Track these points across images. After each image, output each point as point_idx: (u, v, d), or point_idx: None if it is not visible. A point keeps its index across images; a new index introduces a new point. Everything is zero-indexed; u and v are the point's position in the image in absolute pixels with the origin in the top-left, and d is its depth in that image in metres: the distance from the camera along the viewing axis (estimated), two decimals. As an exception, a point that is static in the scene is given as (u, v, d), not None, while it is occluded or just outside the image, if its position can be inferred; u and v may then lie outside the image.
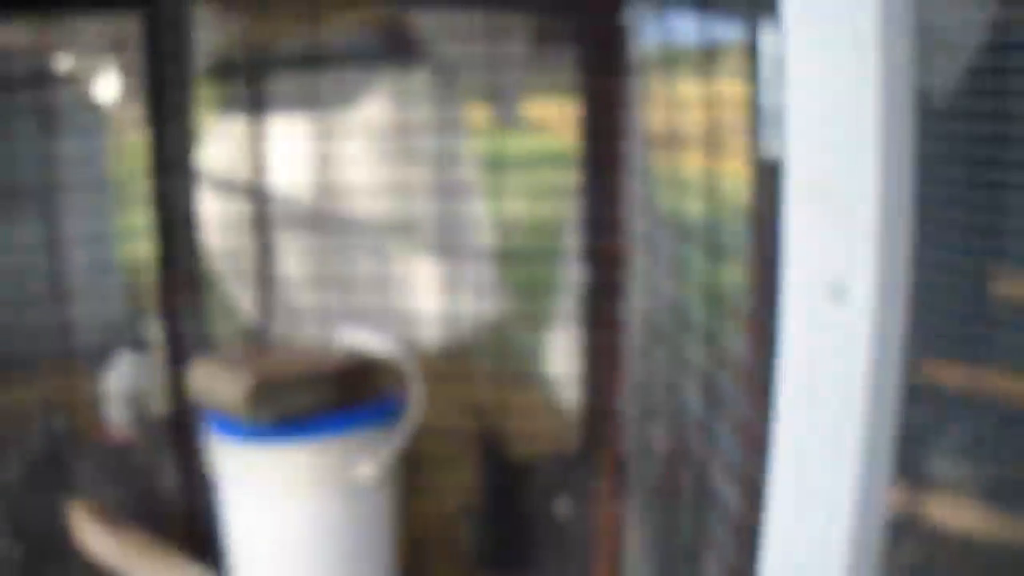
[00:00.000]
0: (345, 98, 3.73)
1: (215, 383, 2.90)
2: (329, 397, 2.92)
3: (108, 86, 5.82)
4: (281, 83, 4.32)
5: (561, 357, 4.61)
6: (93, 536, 3.45)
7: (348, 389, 2.97)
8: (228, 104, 4.06)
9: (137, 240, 3.93)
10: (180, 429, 3.59)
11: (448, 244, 3.83)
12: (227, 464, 2.98)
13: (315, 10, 3.72)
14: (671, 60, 2.67)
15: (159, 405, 5.09)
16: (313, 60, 3.85)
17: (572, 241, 3.66)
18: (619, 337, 3.17)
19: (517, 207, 4.65)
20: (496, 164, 4.14)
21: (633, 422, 3.11)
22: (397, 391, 3.07)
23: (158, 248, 3.47)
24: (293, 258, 3.98)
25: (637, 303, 3.09)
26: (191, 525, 3.65)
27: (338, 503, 2.93)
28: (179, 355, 3.51)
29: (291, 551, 2.96)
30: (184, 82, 3.45)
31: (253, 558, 3.05)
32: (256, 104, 5.81)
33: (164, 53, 3.42)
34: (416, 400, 2.98)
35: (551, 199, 3.74)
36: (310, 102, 3.95)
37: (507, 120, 3.93)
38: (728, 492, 2.15)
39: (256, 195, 6.50)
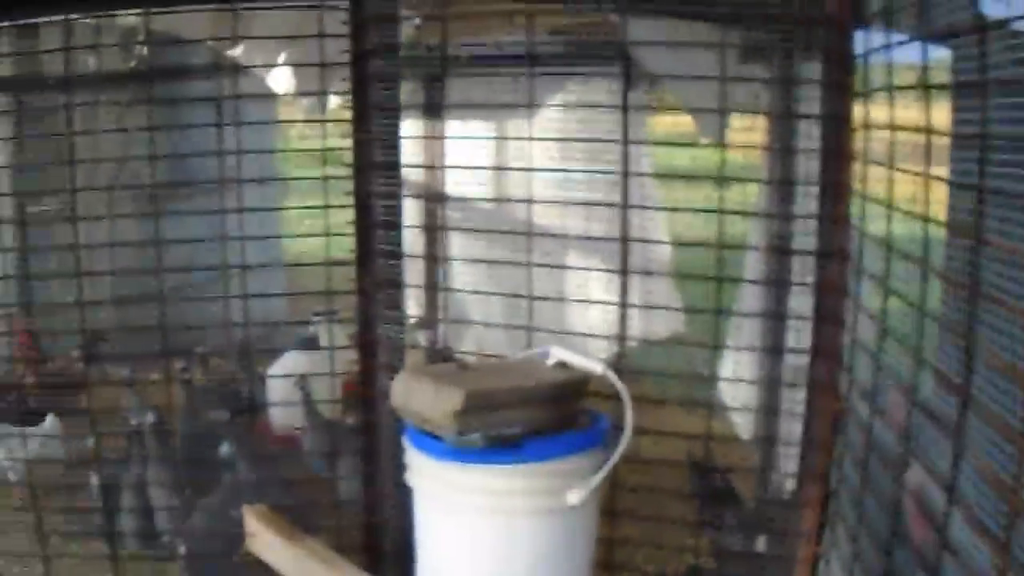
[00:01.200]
0: (528, 103, 3.62)
1: (422, 397, 2.78)
2: (539, 417, 2.79)
3: (285, 79, 5.79)
4: (463, 85, 4.24)
5: (738, 383, 4.48)
6: (267, 542, 3.38)
7: (558, 410, 2.85)
8: (408, 104, 3.98)
9: (310, 237, 3.87)
10: (366, 435, 3.48)
11: (625, 259, 3.70)
12: (426, 479, 2.86)
13: (506, 13, 3.61)
14: (892, 82, 2.54)
15: (329, 408, 5.05)
16: (497, 62, 3.74)
17: (764, 264, 3.54)
18: (837, 368, 3.02)
19: (698, 224, 4.53)
20: (683, 177, 4.01)
21: (848, 458, 2.96)
22: (603, 414, 2.95)
23: (358, 247, 3.36)
24: (465, 265, 3.87)
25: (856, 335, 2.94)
26: (369, 535, 3.56)
27: (541, 526, 2.81)
28: (369, 359, 3.40)
29: (484, 572, 2.84)
30: (390, 79, 3.34)
31: (441, 571, 2.94)
32: (435, 106, 5.76)
33: (370, 49, 3.33)
34: (630, 424, 2.85)
35: (739, 218, 3.61)
36: (491, 106, 3.86)
37: (710, 134, 3.81)
38: (970, 543, 2.01)
39: (432, 198, 6.45)
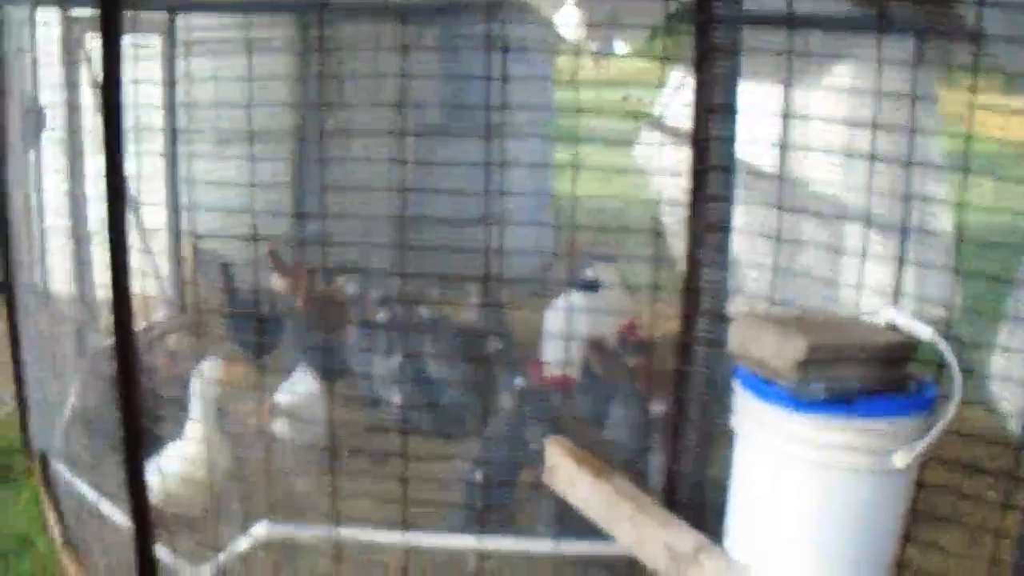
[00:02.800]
0: (816, 63, 3.59)
1: (764, 343, 2.82)
2: (873, 376, 2.80)
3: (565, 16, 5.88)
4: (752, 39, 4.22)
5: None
6: (569, 476, 3.44)
7: (889, 371, 2.85)
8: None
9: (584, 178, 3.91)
10: (678, 381, 3.52)
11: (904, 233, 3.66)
12: (756, 426, 2.90)
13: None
14: None
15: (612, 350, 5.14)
16: (783, 20, 3.72)
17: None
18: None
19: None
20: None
21: None
22: (929, 381, 2.94)
23: (692, 189, 3.39)
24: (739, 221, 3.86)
25: None
26: (671, 482, 3.61)
27: (864, 484, 2.81)
28: (692, 304, 3.44)
29: (801, 524, 2.87)
30: (730, 21, 3.36)
31: (757, 524, 2.97)
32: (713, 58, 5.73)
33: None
34: (959, 393, 2.84)
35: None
36: (777, 63, 3.84)
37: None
38: None
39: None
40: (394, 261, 5.05)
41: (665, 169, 7.20)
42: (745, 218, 3.86)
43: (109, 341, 5.84)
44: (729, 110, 3.35)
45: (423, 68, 4.60)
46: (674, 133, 7.45)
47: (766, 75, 3.53)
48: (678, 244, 3.64)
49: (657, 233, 3.74)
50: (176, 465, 4.50)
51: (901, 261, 3.55)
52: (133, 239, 4.89)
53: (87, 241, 5.56)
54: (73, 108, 5.92)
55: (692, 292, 3.46)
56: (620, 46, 5.65)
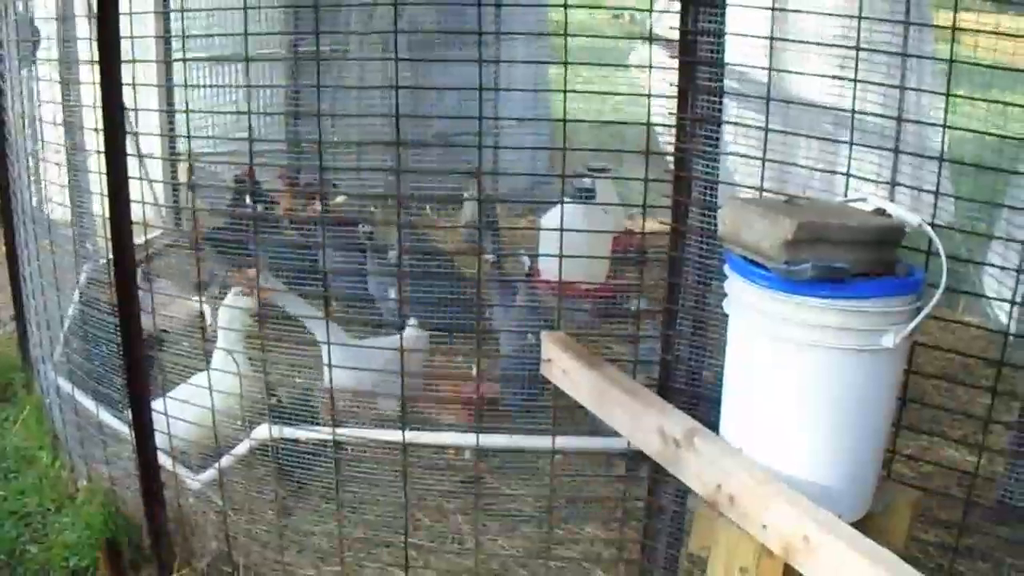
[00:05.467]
0: None
1: (751, 226, 2.90)
2: (862, 259, 2.88)
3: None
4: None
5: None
6: (565, 368, 3.53)
7: (878, 253, 2.93)
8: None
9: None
10: (670, 271, 3.62)
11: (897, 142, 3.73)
12: (746, 308, 3.00)
13: None
14: None
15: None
16: None
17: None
18: None
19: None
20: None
21: None
22: (917, 266, 3.02)
23: (680, 82, 3.47)
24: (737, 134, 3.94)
25: None
26: (664, 371, 3.71)
27: (854, 363, 2.90)
28: (682, 195, 3.53)
29: (792, 406, 2.96)
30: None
31: (749, 407, 3.07)
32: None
33: None
34: (945, 277, 2.92)
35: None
36: None
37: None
38: None
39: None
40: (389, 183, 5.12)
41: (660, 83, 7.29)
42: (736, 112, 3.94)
43: (104, 259, 5.95)
44: (718, 4, 3.42)
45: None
46: (668, 45, 7.50)
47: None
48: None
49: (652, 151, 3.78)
50: (203, 396, 4.54)
51: (896, 151, 3.65)
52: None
53: (82, 158, 5.61)
54: (66, 21, 5.94)
55: (683, 182, 3.54)
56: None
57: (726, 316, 3.15)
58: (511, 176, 6.71)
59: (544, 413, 4.22)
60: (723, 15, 3.43)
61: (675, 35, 3.49)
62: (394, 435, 4.05)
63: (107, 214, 4.13)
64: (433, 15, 6.74)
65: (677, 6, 3.43)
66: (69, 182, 5.63)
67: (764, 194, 3.52)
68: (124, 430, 4.84)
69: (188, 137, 4.63)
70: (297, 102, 7.00)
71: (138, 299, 4.18)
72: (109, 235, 4.15)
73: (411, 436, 4.01)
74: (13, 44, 5.89)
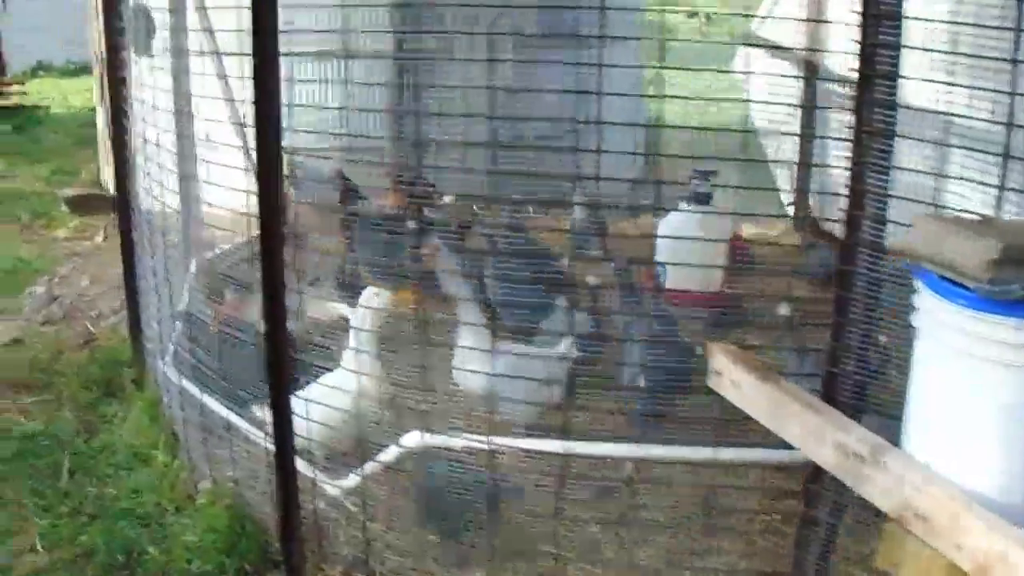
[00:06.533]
0: None
1: (952, 244, 2.93)
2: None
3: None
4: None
5: None
6: (737, 380, 3.57)
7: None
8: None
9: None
10: (839, 284, 3.66)
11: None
12: (941, 327, 3.03)
13: None
14: None
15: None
16: None
17: None
18: None
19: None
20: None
21: None
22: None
23: (857, 95, 3.50)
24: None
25: None
26: (830, 385, 3.74)
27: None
28: (857, 209, 3.57)
29: (990, 424, 2.99)
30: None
31: (940, 424, 3.10)
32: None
33: None
34: None
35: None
36: None
37: None
38: None
39: (808, 66, 6.53)
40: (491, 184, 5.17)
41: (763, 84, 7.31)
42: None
43: (213, 253, 6.02)
44: (895, 17, 3.45)
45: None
46: (772, 47, 7.53)
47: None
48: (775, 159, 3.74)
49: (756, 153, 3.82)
50: (335, 398, 4.63)
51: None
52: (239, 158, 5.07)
53: (192, 154, 5.69)
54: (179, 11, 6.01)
55: (856, 195, 3.57)
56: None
57: (896, 330, 3.17)
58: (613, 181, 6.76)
59: (683, 423, 4.26)
60: (900, 28, 3.46)
61: (778, 39, 3.53)
62: (553, 445, 4.09)
63: (254, 209, 4.18)
64: (536, 16, 6.80)
65: (780, 10, 3.46)
66: (182, 173, 5.70)
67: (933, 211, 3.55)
68: (253, 431, 4.90)
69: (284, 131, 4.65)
70: (400, 100, 7.04)
71: (284, 298, 4.22)
72: (258, 231, 4.18)
73: (570, 446, 4.04)
74: (131, 33, 5.98)
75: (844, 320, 3.69)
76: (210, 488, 5.25)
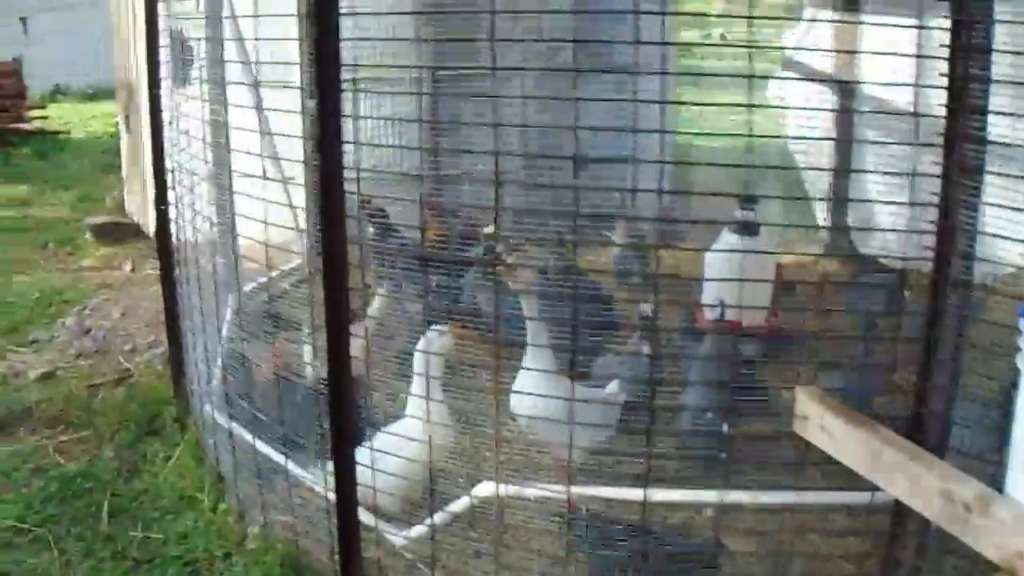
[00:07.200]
0: None
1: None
2: None
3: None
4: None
5: None
6: (826, 426, 3.47)
7: None
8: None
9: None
10: (929, 324, 3.58)
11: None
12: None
13: None
14: None
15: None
16: None
17: None
18: None
19: None
20: None
21: None
22: None
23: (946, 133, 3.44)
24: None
25: None
26: (916, 427, 3.66)
27: None
28: (946, 245, 3.49)
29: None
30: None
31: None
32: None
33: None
34: None
35: None
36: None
37: None
38: None
39: (842, 90, 6.48)
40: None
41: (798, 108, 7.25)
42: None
43: (252, 286, 5.95)
44: (985, 50, 3.38)
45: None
46: (806, 71, 7.49)
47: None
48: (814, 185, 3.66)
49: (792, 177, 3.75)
50: (402, 449, 4.54)
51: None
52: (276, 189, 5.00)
53: (230, 186, 5.62)
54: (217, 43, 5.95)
55: (947, 232, 3.49)
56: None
57: (984, 368, 3.09)
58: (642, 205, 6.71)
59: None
60: (990, 61, 3.39)
61: (813, 63, 3.47)
62: (634, 493, 4.00)
63: (319, 248, 4.12)
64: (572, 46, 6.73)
65: (816, 35, 3.41)
66: (220, 206, 5.64)
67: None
68: (310, 477, 4.82)
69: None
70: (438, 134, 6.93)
71: (348, 341, 4.14)
72: (322, 270, 4.10)
73: (652, 494, 3.96)
74: (168, 64, 5.93)
75: (932, 359, 3.61)
76: (261, 533, 5.15)
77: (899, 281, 4.24)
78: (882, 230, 4.06)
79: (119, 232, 11.36)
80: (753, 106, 3.77)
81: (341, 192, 4.02)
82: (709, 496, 4.21)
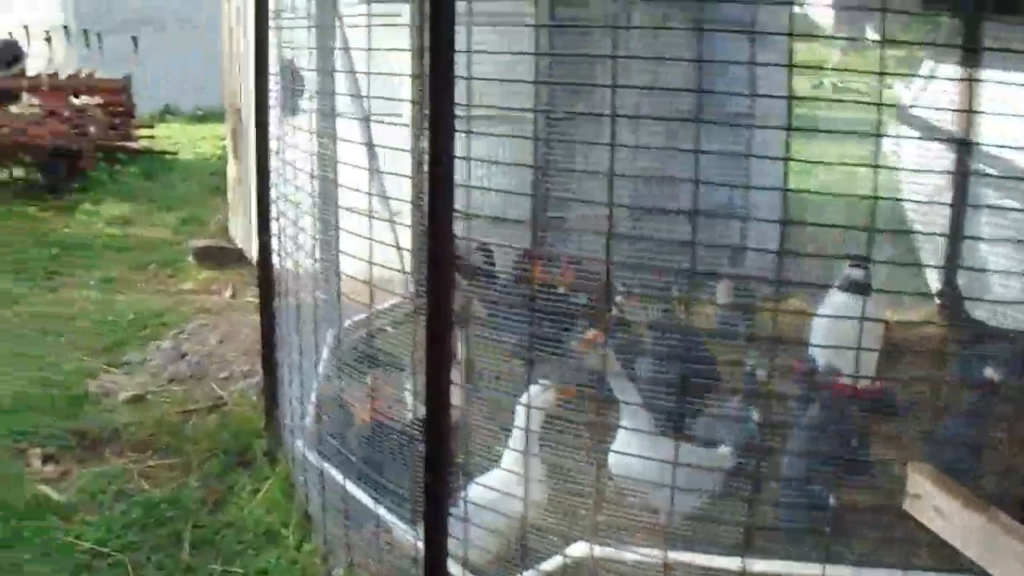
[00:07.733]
0: None
1: None
2: None
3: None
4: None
5: None
6: (940, 507, 3.36)
7: None
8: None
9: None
10: None
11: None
12: None
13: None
14: None
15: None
16: None
17: None
18: None
19: None
20: None
21: None
22: None
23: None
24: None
25: None
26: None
27: None
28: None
29: None
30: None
31: None
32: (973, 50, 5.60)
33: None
34: None
35: None
36: None
37: None
38: None
39: (959, 148, 6.36)
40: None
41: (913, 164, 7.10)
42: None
43: (349, 323, 5.91)
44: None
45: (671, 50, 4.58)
46: (923, 126, 7.33)
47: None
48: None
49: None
50: (496, 502, 4.46)
51: None
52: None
53: (335, 219, 5.59)
54: (326, 74, 5.94)
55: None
56: (871, 32, 5.55)
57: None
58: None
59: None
60: None
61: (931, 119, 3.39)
62: (732, 562, 3.90)
63: (421, 286, 4.09)
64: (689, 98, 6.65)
65: (935, 88, 3.32)
66: (324, 241, 5.62)
67: None
68: (401, 524, 4.76)
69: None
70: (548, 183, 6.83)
71: (449, 389, 4.08)
72: (425, 312, 4.04)
73: (751, 564, 3.85)
74: (277, 92, 5.94)
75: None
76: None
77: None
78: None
79: (222, 256, 11.42)
80: (873, 166, 3.66)
81: (450, 234, 3.96)
82: (811, 570, 4.07)
